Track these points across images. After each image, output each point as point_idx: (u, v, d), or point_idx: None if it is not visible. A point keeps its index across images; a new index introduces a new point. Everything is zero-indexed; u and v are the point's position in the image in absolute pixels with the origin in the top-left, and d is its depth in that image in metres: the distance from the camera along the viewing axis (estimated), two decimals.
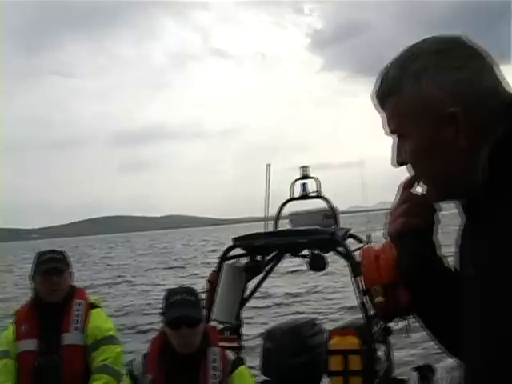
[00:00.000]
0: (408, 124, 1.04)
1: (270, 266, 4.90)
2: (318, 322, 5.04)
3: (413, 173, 1.10)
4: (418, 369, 4.69)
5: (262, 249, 4.55)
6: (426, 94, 1.01)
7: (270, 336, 4.77)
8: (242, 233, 4.72)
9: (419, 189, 1.12)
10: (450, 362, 6.28)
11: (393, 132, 1.09)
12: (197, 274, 20.83)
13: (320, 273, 4.96)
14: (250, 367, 3.50)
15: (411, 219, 1.11)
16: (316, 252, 4.45)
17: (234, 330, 4.51)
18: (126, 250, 62.27)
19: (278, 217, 5.03)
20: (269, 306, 14.18)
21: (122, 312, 14.45)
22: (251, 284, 4.82)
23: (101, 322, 3.35)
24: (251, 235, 4.60)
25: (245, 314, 4.80)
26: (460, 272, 1.11)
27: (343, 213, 5.73)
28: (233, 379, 2.75)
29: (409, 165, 1.09)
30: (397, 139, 1.09)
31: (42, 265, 3.33)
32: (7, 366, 3.22)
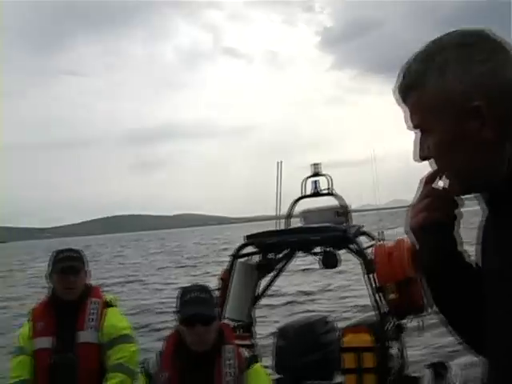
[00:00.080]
0: (431, 118, 1.04)
1: (282, 264, 4.90)
2: (330, 319, 5.03)
3: (435, 167, 1.09)
4: (432, 366, 4.66)
5: (274, 247, 4.55)
6: (449, 87, 1.01)
7: (282, 334, 4.78)
8: (254, 231, 4.72)
9: (441, 183, 1.11)
10: (463, 359, 6.25)
11: (415, 127, 1.09)
12: (209, 273, 20.82)
13: (331, 271, 4.95)
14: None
15: (433, 213, 1.10)
16: (328, 249, 4.45)
17: (247, 327, 4.52)
18: (138, 248, 62.41)
19: (289, 214, 5.03)
20: (283, 304, 14.15)
21: (135, 310, 14.49)
22: (263, 282, 4.83)
23: (116, 320, 3.36)
24: (263, 233, 4.60)
25: (257, 312, 4.80)
26: (482, 265, 1.11)
27: (355, 211, 5.70)
28: (248, 376, 2.75)
29: (431, 159, 1.09)
30: (419, 134, 1.09)
31: (59, 263, 3.35)
32: (23, 362, 3.25)
